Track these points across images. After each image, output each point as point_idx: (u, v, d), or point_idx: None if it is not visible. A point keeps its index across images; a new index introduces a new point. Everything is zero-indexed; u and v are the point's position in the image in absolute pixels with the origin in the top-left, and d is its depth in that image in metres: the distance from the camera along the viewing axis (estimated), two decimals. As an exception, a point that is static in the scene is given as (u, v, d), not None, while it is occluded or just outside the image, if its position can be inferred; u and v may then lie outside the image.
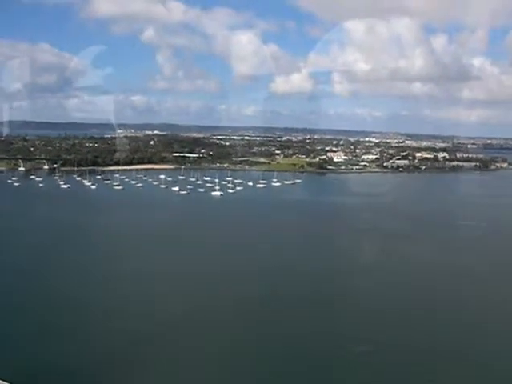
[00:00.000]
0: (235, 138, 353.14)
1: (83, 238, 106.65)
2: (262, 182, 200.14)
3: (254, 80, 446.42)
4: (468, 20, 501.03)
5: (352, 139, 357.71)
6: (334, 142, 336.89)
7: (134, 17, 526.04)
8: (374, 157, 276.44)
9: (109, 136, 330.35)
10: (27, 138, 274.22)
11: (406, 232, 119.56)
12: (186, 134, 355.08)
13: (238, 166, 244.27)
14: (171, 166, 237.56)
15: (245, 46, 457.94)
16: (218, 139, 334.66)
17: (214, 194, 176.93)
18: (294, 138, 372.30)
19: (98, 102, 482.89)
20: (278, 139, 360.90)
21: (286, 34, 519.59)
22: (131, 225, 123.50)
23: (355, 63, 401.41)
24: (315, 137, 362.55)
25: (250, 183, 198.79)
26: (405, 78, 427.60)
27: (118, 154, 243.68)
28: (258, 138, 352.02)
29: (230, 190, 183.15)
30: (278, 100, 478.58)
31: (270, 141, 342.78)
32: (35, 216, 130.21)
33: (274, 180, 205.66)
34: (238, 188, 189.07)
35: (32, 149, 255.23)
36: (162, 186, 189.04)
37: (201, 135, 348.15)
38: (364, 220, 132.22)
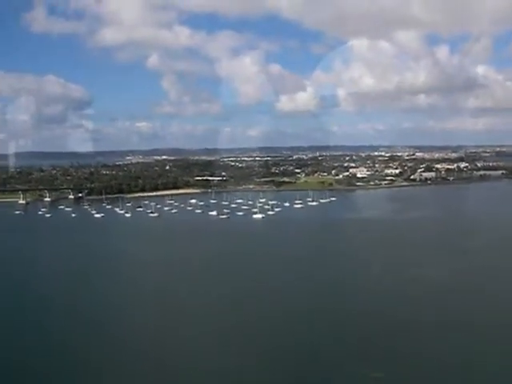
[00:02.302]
0: (246, 159, 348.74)
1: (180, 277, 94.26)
2: (297, 201, 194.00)
3: (259, 100, 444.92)
4: (471, 29, 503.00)
5: (363, 154, 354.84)
6: (347, 158, 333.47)
7: (140, 43, 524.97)
8: (397, 171, 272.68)
9: (121, 163, 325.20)
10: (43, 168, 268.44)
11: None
12: (194, 158, 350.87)
13: (265, 187, 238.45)
14: (197, 190, 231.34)
15: (249, 67, 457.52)
16: (232, 161, 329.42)
17: (255, 216, 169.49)
18: (304, 156, 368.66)
19: (103, 130, 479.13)
20: (289, 158, 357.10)
21: (290, 53, 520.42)
22: (209, 256, 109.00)
23: (360, 79, 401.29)
24: (325, 154, 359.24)
25: (286, 204, 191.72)
26: (410, 91, 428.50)
27: (140, 181, 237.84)
28: (268, 158, 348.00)
29: (270, 212, 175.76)
30: (283, 119, 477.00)
31: (282, 160, 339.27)
32: (95, 251, 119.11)
33: (309, 199, 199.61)
34: (277, 209, 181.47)
35: (51, 178, 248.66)
36: (198, 211, 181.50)
37: (210, 158, 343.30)
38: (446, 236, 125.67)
